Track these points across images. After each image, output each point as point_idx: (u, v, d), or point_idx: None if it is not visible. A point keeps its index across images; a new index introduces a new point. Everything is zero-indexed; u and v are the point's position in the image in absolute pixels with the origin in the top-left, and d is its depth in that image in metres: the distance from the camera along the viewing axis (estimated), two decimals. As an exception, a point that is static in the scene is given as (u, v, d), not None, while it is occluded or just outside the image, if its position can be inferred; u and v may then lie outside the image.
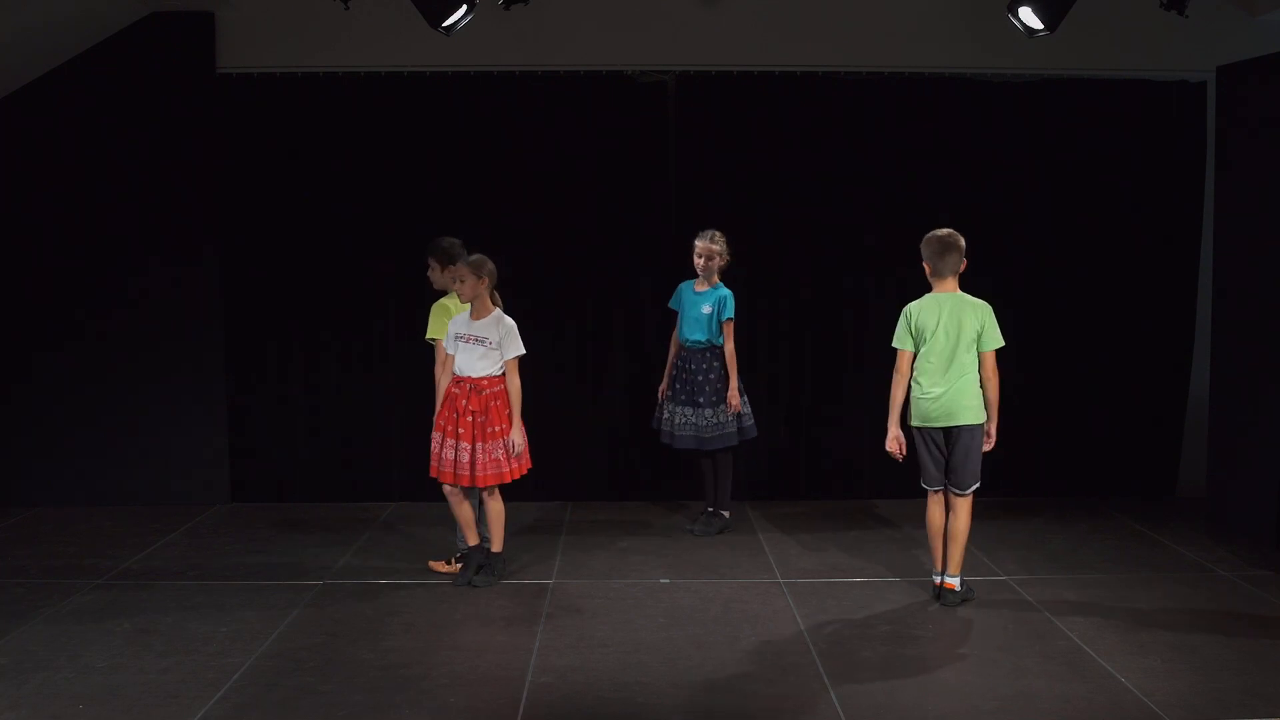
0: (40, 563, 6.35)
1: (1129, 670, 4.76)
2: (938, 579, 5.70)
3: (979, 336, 5.52)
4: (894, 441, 5.60)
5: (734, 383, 6.75)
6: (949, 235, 5.61)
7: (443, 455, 5.82)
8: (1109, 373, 7.88)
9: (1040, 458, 7.91)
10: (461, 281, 5.81)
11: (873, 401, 7.89)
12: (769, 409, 7.86)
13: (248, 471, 7.83)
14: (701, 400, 6.76)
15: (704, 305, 6.79)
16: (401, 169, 7.71)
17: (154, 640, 5.13)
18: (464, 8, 6.45)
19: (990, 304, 5.68)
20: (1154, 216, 7.83)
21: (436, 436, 5.86)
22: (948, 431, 5.55)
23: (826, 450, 7.97)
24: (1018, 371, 7.84)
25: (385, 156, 7.71)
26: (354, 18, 6.91)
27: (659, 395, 7.03)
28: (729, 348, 6.76)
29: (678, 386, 6.86)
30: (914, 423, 5.60)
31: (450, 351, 5.88)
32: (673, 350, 7.00)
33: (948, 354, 5.50)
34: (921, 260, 5.70)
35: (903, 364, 5.62)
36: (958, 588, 5.64)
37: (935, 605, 5.64)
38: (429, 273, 6.25)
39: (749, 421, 6.89)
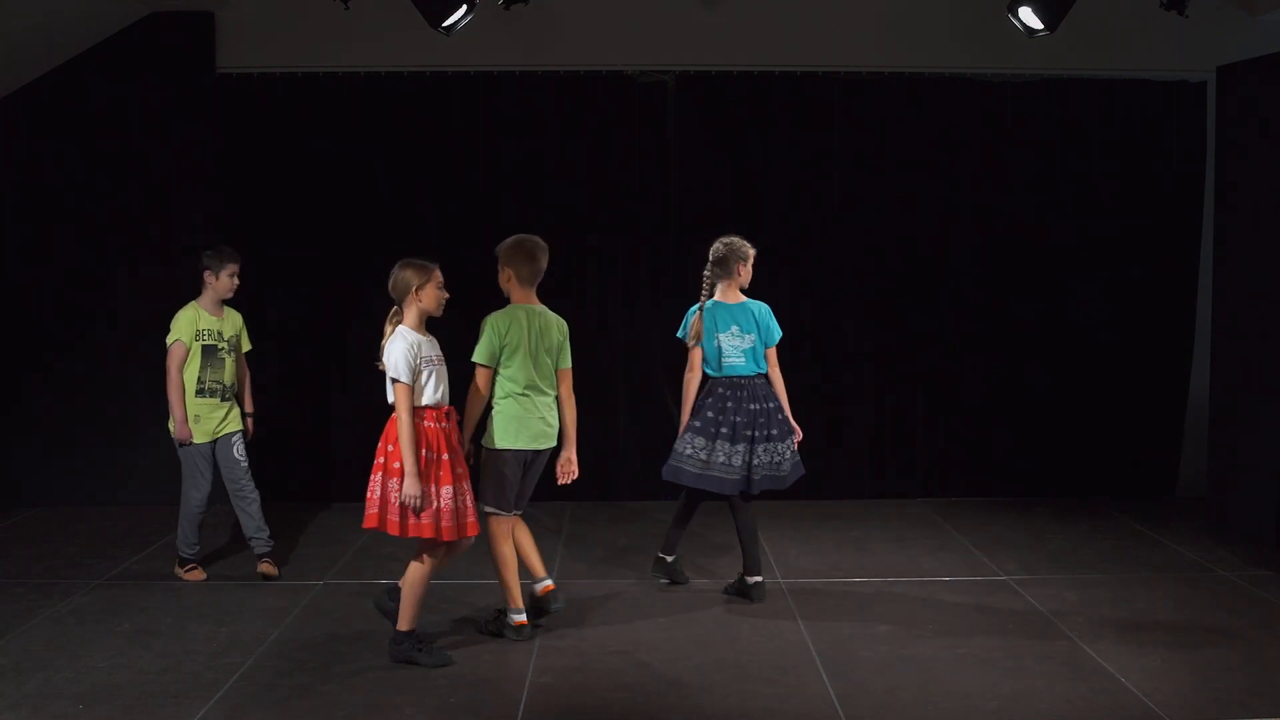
0: (40, 563, 6.36)
1: (1129, 670, 4.76)
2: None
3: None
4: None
5: (685, 411, 5.77)
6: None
7: (457, 507, 4.78)
8: (1109, 373, 7.88)
9: (1040, 458, 7.91)
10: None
11: (874, 399, 7.95)
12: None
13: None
14: (774, 432, 5.80)
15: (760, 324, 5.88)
16: (401, 169, 7.71)
17: (154, 640, 5.13)
18: (464, 8, 6.45)
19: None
20: (1154, 216, 7.83)
21: (437, 489, 4.70)
22: None
23: (828, 450, 7.96)
24: (1018, 372, 7.89)
25: (385, 156, 7.71)
26: (354, 18, 6.91)
27: None
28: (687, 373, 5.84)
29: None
30: None
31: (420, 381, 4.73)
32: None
33: None
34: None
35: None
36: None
37: (935, 604, 5.64)
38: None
39: (716, 471, 5.65)
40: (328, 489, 7.83)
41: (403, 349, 4.63)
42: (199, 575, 6.08)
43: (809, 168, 7.79)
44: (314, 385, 7.85)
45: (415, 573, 4.78)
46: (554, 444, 5.20)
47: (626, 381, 7.90)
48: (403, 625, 4.84)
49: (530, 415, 5.07)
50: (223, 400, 6.09)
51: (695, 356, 5.70)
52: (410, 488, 4.57)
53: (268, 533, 6.15)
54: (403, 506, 4.61)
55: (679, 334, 5.80)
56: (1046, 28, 6.57)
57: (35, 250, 7.64)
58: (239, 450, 6.13)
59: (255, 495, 6.15)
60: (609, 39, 7.69)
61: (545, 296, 7.73)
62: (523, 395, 5.06)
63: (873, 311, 7.84)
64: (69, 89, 7.53)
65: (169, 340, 5.97)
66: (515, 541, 5.23)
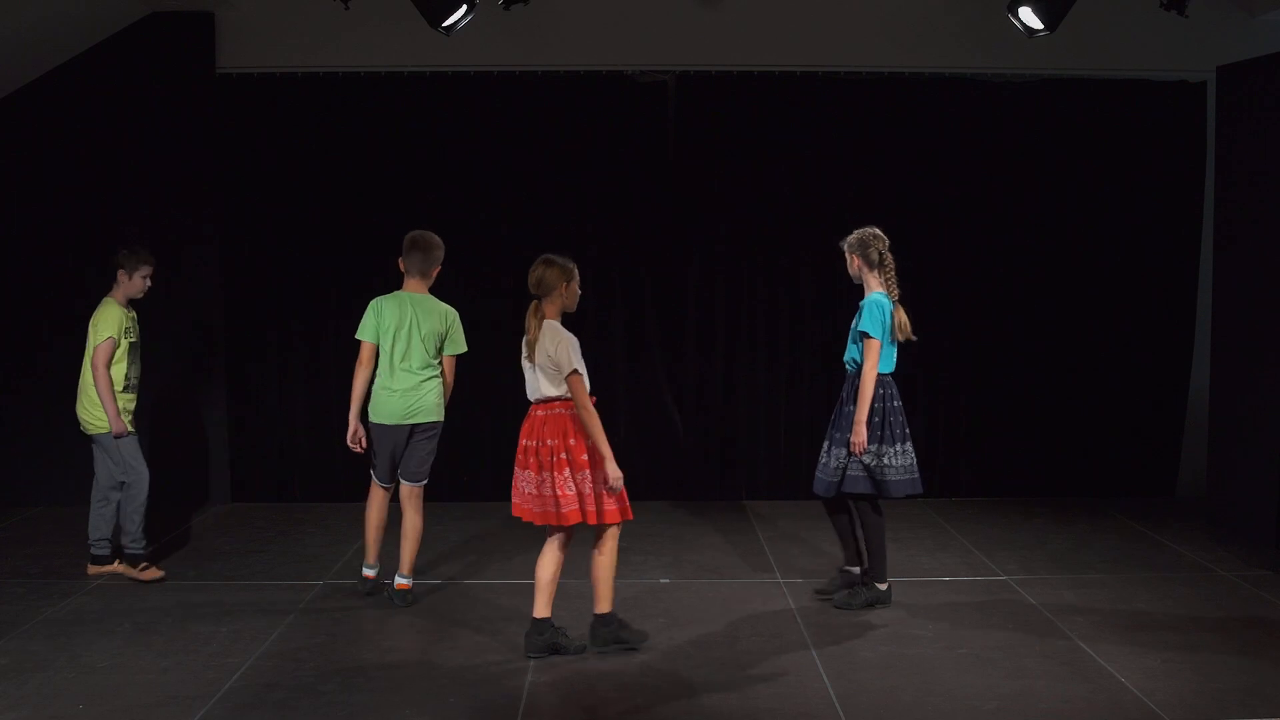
0: (40, 563, 6.35)
1: (1129, 670, 4.76)
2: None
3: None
4: None
5: (860, 414, 5.32)
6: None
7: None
8: (1109, 373, 7.88)
9: (1040, 458, 7.91)
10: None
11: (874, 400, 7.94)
12: (771, 407, 7.89)
13: (248, 471, 7.84)
14: (838, 435, 5.48)
15: (856, 317, 5.53)
16: (401, 169, 7.71)
17: (154, 640, 5.13)
18: (464, 8, 6.45)
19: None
20: (1154, 216, 7.83)
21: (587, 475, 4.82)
22: None
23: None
24: (1018, 372, 7.89)
25: (385, 156, 7.71)
26: (354, 18, 6.91)
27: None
28: (865, 369, 5.38)
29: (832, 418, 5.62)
30: None
31: None
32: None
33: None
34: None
35: None
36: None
37: (935, 604, 5.64)
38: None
39: (895, 475, 5.37)
40: (327, 489, 7.82)
41: (575, 341, 4.77)
42: (157, 573, 5.99)
43: (809, 167, 7.78)
44: (313, 385, 7.85)
45: (609, 556, 4.89)
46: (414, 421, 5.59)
47: (627, 381, 7.90)
48: (604, 608, 4.95)
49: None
50: (135, 395, 6.12)
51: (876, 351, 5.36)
52: (614, 470, 4.74)
53: (144, 541, 6.04)
54: (609, 493, 4.76)
55: (879, 332, 5.34)
56: (1046, 28, 6.57)
57: (35, 250, 7.64)
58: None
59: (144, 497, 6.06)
60: (609, 39, 7.69)
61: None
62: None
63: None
64: (69, 89, 7.53)
65: (99, 337, 5.86)
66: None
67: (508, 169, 7.73)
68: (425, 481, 5.71)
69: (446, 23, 6.49)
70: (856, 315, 5.47)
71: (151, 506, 6.11)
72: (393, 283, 6.24)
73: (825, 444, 5.56)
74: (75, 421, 7.66)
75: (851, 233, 5.57)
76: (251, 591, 5.86)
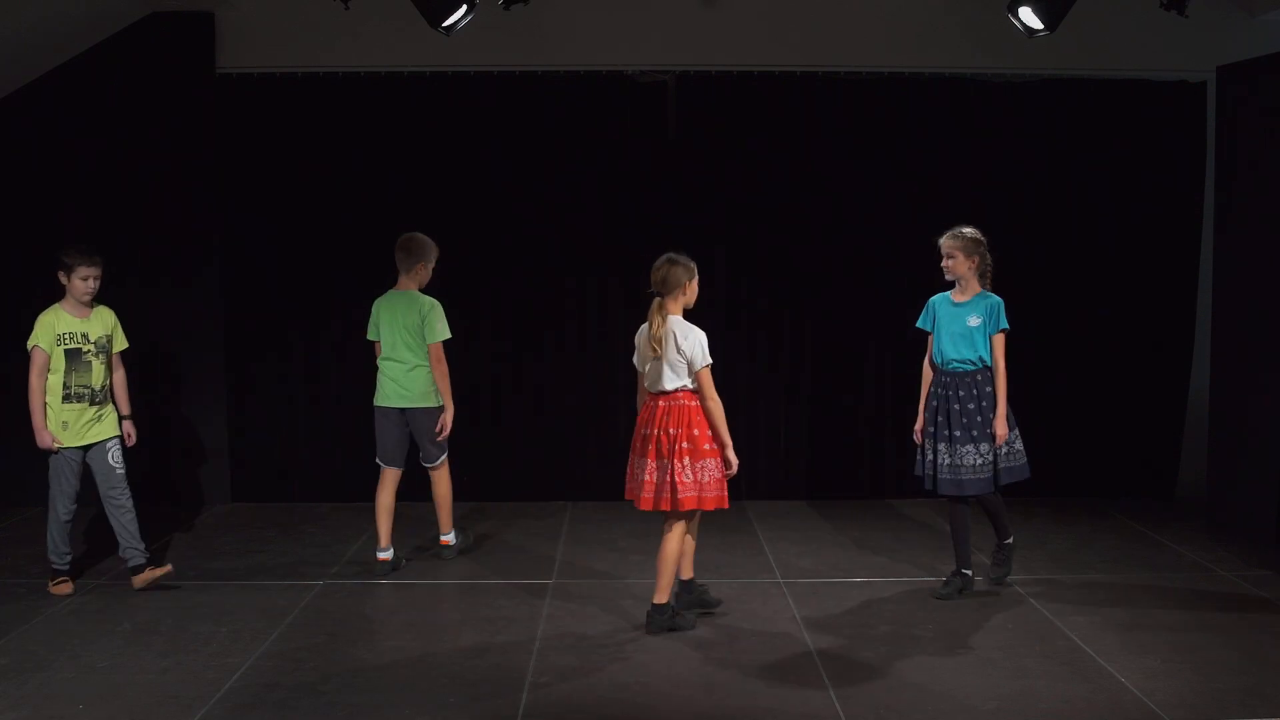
0: (40, 563, 6.33)
1: (1129, 670, 4.76)
2: None
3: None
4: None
5: (1001, 409, 5.61)
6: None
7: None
8: (1109, 373, 7.88)
9: (1040, 458, 7.87)
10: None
11: (874, 400, 7.94)
12: (770, 409, 7.88)
13: (248, 471, 7.84)
14: (960, 434, 5.63)
15: (970, 317, 5.69)
16: (401, 169, 7.71)
17: (154, 640, 5.13)
18: (464, 8, 6.45)
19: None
20: (1154, 216, 7.83)
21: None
22: None
23: (827, 450, 7.97)
24: (1018, 372, 7.87)
25: (385, 157, 7.71)
26: (354, 18, 6.91)
27: (916, 436, 5.85)
28: (1001, 366, 5.67)
29: (939, 419, 5.69)
30: None
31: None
32: (928, 378, 5.84)
33: None
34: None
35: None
36: None
37: (934, 605, 5.64)
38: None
39: (1020, 460, 5.73)
40: (327, 489, 7.82)
41: (704, 336, 5.08)
42: (67, 588, 5.78)
43: (809, 167, 7.78)
44: (313, 385, 7.85)
45: (675, 545, 5.17)
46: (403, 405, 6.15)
47: (627, 380, 7.89)
48: (662, 597, 5.20)
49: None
50: (92, 404, 5.75)
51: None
52: (733, 457, 5.12)
53: (143, 546, 5.86)
54: (723, 480, 5.09)
55: (1002, 326, 5.66)
56: (1046, 28, 6.56)
57: (34, 249, 7.63)
58: (114, 457, 5.82)
59: (130, 505, 5.84)
60: (609, 39, 7.68)
61: (544, 295, 7.79)
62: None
63: (872, 311, 7.83)
64: (69, 89, 7.52)
65: (28, 345, 5.66)
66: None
67: (508, 169, 7.72)
68: (439, 462, 6.24)
69: (446, 23, 6.49)
70: (987, 314, 5.67)
71: (143, 509, 5.96)
72: (394, 280, 6.27)
73: (940, 444, 5.65)
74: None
75: (955, 231, 5.81)
76: (251, 591, 5.86)
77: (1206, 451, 7.33)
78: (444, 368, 6.09)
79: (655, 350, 5.08)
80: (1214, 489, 7.18)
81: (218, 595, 5.77)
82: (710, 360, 5.08)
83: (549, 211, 7.74)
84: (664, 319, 5.09)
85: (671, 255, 5.17)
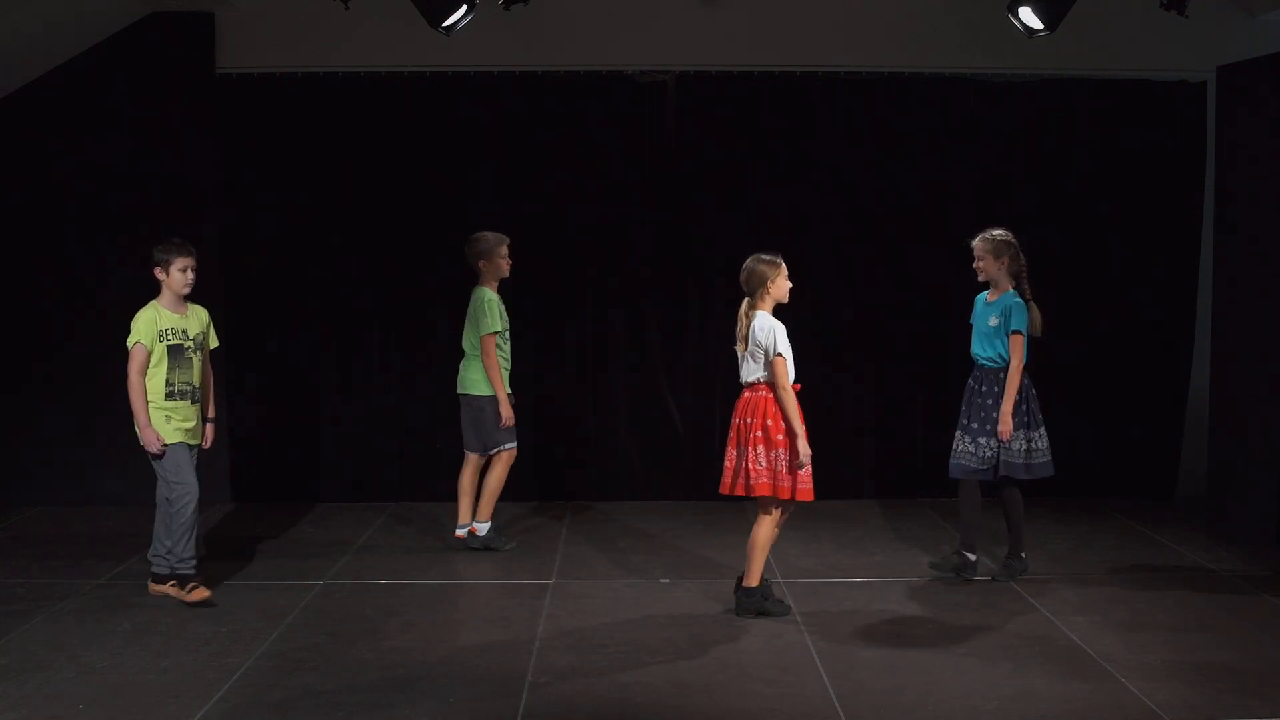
0: (40, 563, 6.36)
1: (1129, 670, 4.76)
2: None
3: None
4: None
5: (1006, 407, 5.81)
6: None
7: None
8: (1109, 373, 7.88)
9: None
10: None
11: (873, 400, 7.94)
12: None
13: (248, 471, 7.84)
14: (975, 425, 5.93)
15: (991, 316, 5.93)
16: (401, 169, 7.71)
17: (154, 640, 5.13)
18: (464, 8, 6.46)
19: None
20: (1154, 216, 7.83)
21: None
22: None
23: (827, 450, 7.95)
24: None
25: (385, 157, 7.71)
26: (354, 18, 6.92)
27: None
28: (1012, 365, 5.86)
29: (963, 408, 6.02)
30: None
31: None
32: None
33: None
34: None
35: None
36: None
37: (935, 605, 5.64)
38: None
39: (1043, 458, 6.00)
40: (327, 489, 7.83)
41: (782, 328, 5.34)
42: (205, 593, 5.56)
43: (809, 167, 7.78)
44: (313, 385, 7.84)
45: (765, 532, 5.36)
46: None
47: (627, 380, 7.90)
48: (752, 581, 5.41)
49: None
50: (193, 401, 5.66)
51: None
52: (805, 448, 5.24)
53: (191, 557, 5.61)
54: (800, 471, 5.23)
55: (1017, 327, 5.84)
56: (1046, 28, 6.57)
57: (34, 250, 7.64)
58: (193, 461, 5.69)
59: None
60: (609, 39, 7.69)
61: (543, 295, 7.78)
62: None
63: (872, 311, 7.84)
64: (69, 89, 7.52)
65: (129, 343, 5.50)
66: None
67: (508, 168, 7.72)
68: (486, 451, 6.50)
69: (446, 23, 6.50)
70: (1003, 314, 5.86)
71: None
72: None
73: (968, 436, 5.94)
74: (75, 422, 7.69)
75: (985, 233, 5.99)
76: (251, 591, 5.86)
77: (1206, 451, 7.33)
78: (491, 359, 6.37)
79: (743, 345, 5.39)
80: (1214, 489, 7.18)
81: (218, 595, 5.75)
82: (784, 351, 5.28)
83: (549, 211, 7.73)
84: (748, 316, 5.38)
85: (758, 254, 5.43)
